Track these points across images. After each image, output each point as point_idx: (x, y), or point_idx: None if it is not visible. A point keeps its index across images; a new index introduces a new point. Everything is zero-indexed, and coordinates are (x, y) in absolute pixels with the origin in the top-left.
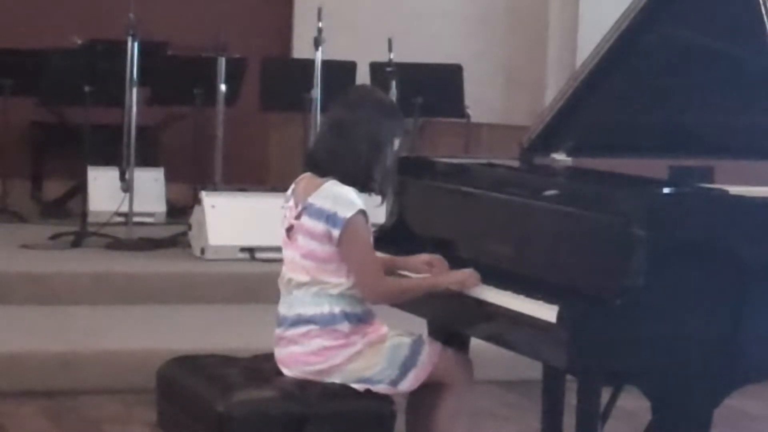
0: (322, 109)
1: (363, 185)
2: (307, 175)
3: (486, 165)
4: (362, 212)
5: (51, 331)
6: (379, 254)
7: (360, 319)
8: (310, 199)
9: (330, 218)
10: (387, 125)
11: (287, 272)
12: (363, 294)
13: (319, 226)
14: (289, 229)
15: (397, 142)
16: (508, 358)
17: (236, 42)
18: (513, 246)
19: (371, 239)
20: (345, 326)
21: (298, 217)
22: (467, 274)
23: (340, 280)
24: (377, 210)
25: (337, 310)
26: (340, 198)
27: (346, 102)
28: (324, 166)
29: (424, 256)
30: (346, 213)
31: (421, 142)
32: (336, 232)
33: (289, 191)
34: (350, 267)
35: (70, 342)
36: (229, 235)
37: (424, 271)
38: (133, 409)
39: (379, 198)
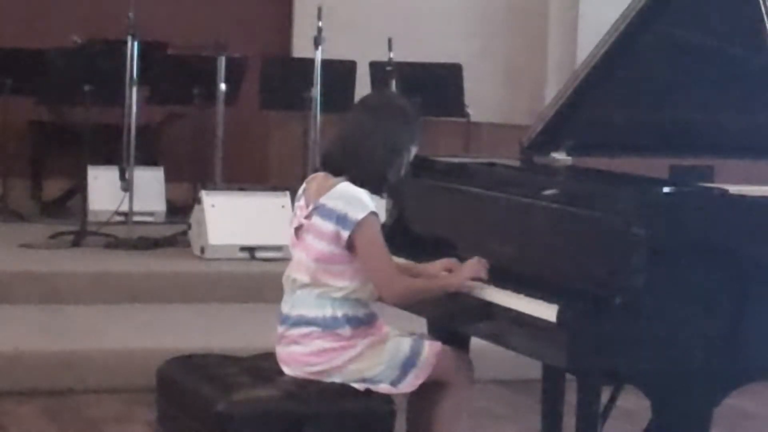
0: (322, 109)
1: (375, 188)
2: (320, 174)
3: (486, 164)
4: (374, 213)
5: (51, 330)
6: (397, 260)
7: (362, 322)
8: (322, 200)
9: (340, 219)
10: (406, 132)
11: (292, 272)
12: (380, 294)
13: (329, 227)
14: (298, 229)
15: (414, 149)
16: (508, 358)
17: (236, 41)
18: (513, 245)
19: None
20: (346, 330)
21: (308, 216)
22: (475, 266)
23: (343, 284)
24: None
25: (339, 313)
26: (353, 199)
27: (368, 106)
28: (338, 166)
29: (443, 262)
30: (358, 215)
31: (421, 142)
32: (345, 234)
33: (301, 190)
34: (366, 268)
35: (70, 342)
36: (228, 235)
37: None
38: (133, 408)
39: (384, 201)
